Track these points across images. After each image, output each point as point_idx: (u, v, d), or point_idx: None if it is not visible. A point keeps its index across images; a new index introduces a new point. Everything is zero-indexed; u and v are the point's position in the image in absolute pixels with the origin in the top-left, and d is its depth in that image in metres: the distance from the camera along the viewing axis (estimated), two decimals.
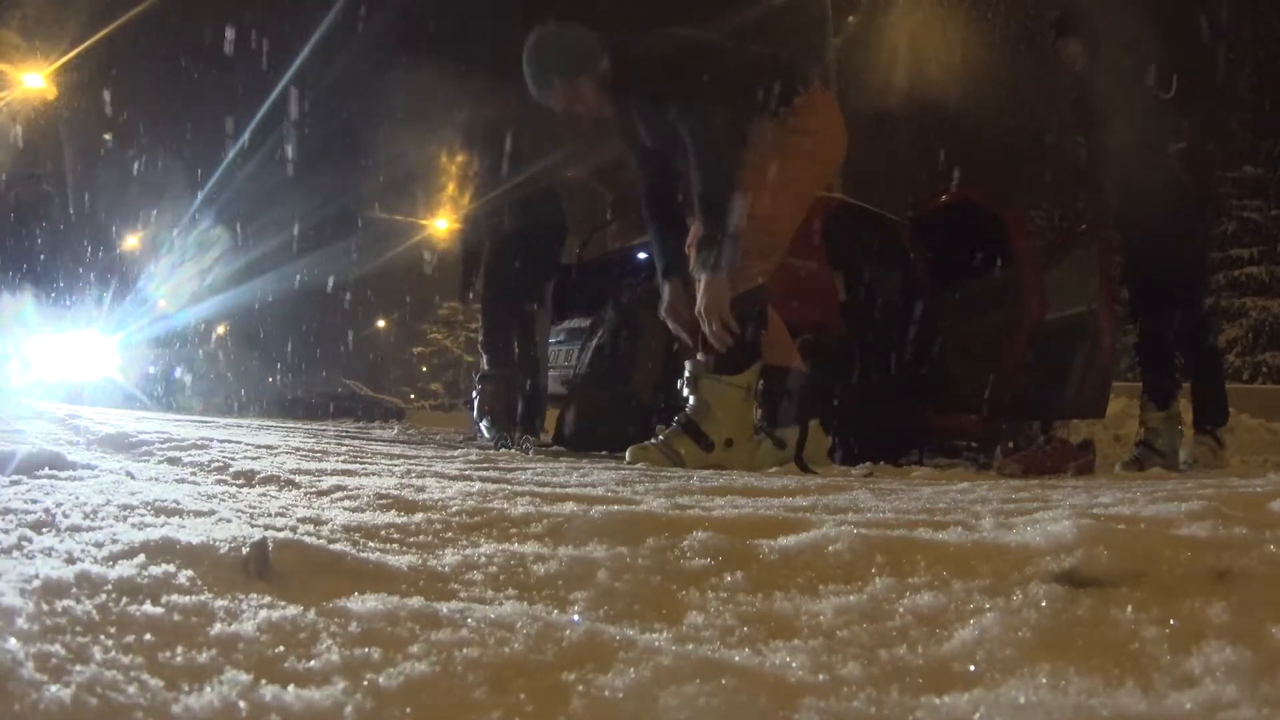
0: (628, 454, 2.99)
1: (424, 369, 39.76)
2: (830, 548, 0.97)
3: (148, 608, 0.68)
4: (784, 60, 3.17)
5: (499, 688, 0.59)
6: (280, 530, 1.04)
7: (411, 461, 2.47)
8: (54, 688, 0.52)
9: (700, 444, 2.96)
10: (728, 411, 2.99)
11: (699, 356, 3.06)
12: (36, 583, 0.69)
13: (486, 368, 5.12)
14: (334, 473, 1.82)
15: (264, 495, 1.47)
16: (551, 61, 3.09)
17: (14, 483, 1.34)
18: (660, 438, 3.01)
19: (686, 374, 3.08)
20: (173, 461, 2.12)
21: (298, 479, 1.64)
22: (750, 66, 3.09)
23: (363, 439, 4.20)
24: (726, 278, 2.92)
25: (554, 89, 3.10)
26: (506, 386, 5.02)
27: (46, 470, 1.51)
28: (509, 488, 1.59)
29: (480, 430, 4.96)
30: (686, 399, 3.06)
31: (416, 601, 0.73)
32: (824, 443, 3.19)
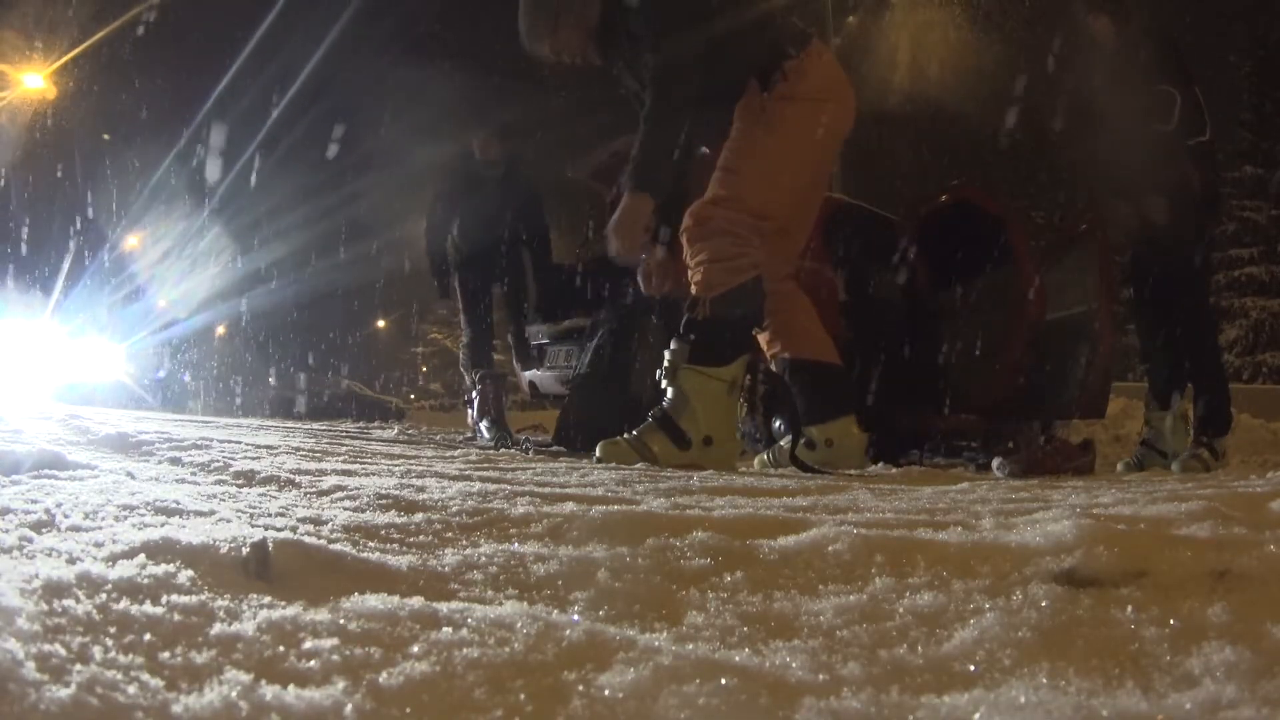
0: (598, 450, 2.80)
1: (424, 369, 39.76)
2: (830, 548, 0.97)
3: (148, 608, 0.67)
4: (774, 21, 3.03)
5: (499, 688, 0.59)
6: (280, 530, 1.04)
7: (411, 461, 2.46)
8: (54, 688, 0.52)
9: (676, 441, 2.77)
10: (708, 407, 2.80)
11: (673, 345, 2.89)
12: (37, 583, 0.69)
13: (475, 375, 5.18)
14: (334, 473, 1.82)
15: (264, 495, 1.47)
16: (541, 9, 3.04)
17: (14, 483, 1.34)
18: (634, 432, 2.81)
19: (665, 362, 2.87)
20: (173, 462, 2.12)
21: (298, 479, 1.64)
22: (736, 35, 2.95)
23: (363, 439, 4.20)
24: (648, 199, 2.83)
25: (540, 36, 3.04)
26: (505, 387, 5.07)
27: (46, 470, 1.51)
28: (509, 488, 1.59)
29: (480, 430, 4.97)
30: (664, 390, 2.87)
31: (416, 601, 0.73)
32: (861, 440, 3.04)
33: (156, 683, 0.55)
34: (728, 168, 2.91)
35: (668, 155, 2.84)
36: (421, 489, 1.50)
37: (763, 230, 2.87)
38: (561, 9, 3.00)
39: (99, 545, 0.86)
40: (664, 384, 2.89)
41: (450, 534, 1.14)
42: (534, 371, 5.55)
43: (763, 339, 3.11)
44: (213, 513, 1.16)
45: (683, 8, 2.89)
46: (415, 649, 0.64)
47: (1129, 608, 0.75)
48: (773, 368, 3.18)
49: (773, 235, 2.94)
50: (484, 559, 0.96)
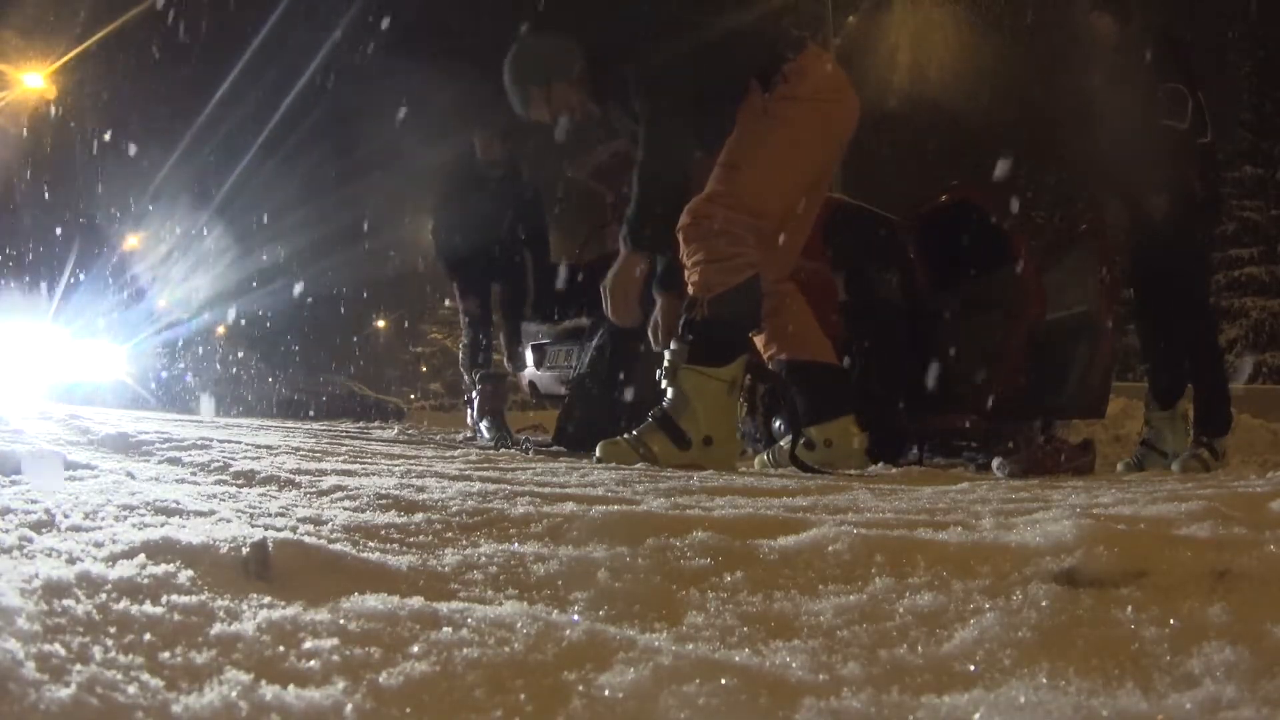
0: (598, 450, 2.82)
1: (424, 369, 39.79)
2: (830, 548, 0.97)
3: (148, 608, 0.67)
4: (766, 29, 3.03)
5: (499, 688, 0.59)
6: (280, 530, 1.04)
7: (411, 461, 2.46)
8: (54, 688, 0.52)
9: (676, 441, 2.79)
10: (708, 407, 2.81)
11: (673, 345, 2.90)
12: (37, 583, 0.69)
13: (475, 374, 5.20)
14: (334, 473, 1.82)
15: (264, 495, 1.47)
16: (527, 72, 3.05)
17: (14, 483, 1.34)
18: (634, 432, 2.83)
19: (665, 363, 2.90)
20: (173, 462, 2.12)
21: (298, 479, 1.64)
22: (727, 43, 2.95)
23: (363, 439, 4.20)
24: (642, 260, 2.88)
25: (533, 99, 3.06)
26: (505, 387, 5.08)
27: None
28: (509, 488, 1.59)
29: (480, 430, 4.97)
30: (664, 391, 2.89)
31: (416, 601, 0.73)
32: (860, 440, 3.05)
33: (156, 683, 0.55)
34: (728, 163, 2.89)
35: (663, 213, 2.85)
36: (421, 489, 1.50)
37: (760, 229, 2.86)
38: (550, 70, 3.02)
39: (99, 545, 0.86)
40: (664, 384, 2.90)
41: (450, 534, 1.14)
42: (534, 371, 5.55)
43: (759, 341, 3.11)
44: (213, 513, 1.16)
45: (664, 51, 2.88)
46: (415, 649, 0.64)
47: (1129, 608, 0.75)
48: (770, 368, 3.18)
49: (771, 236, 2.93)
50: (484, 559, 0.96)
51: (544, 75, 3.03)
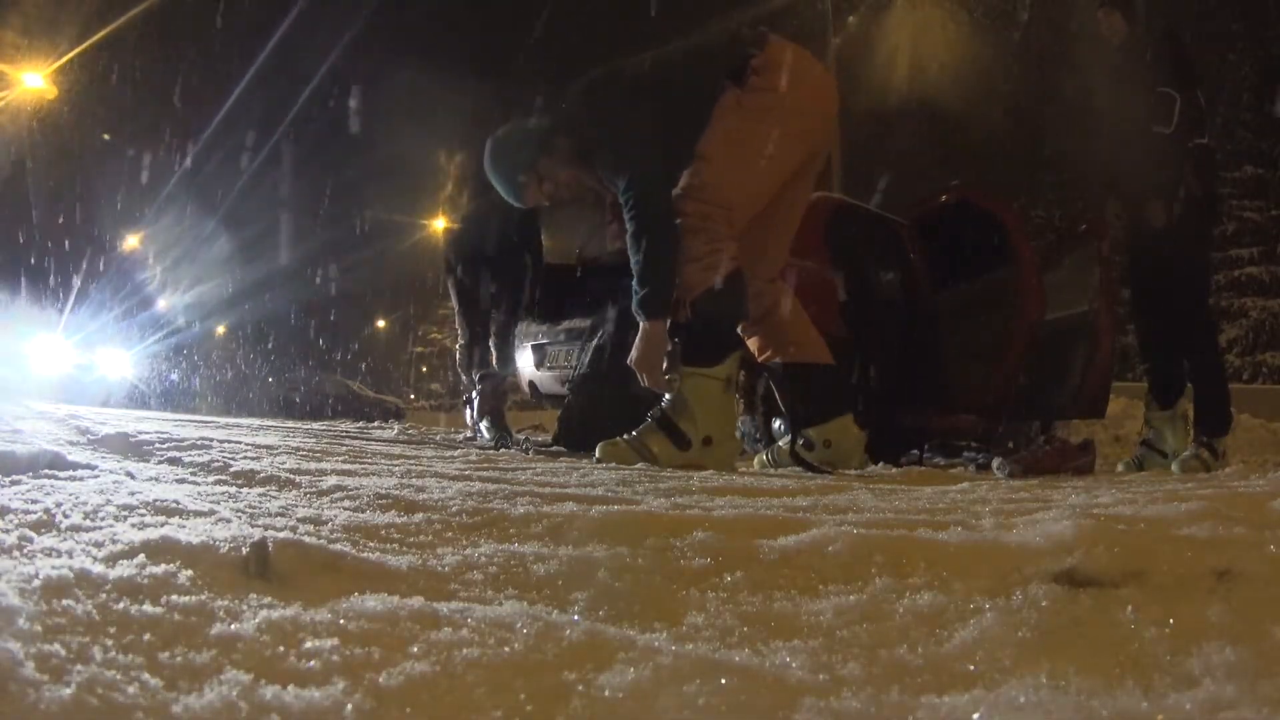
0: (598, 450, 2.83)
1: (424, 369, 39.80)
2: (830, 548, 0.97)
3: (148, 608, 0.67)
4: (721, 36, 3.03)
5: (499, 688, 0.59)
6: (280, 530, 1.04)
7: (411, 461, 2.46)
8: (54, 688, 0.52)
9: (676, 442, 2.80)
10: (706, 407, 2.82)
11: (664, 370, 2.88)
12: (36, 583, 0.69)
13: (475, 374, 5.18)
14: (334, 473, 1.82)
15: (264, 495, 1.47)
16: (509, 163, 3.02)
17: (14, 483, 1.34)
18: (634, 433, 2.84)
19: (662, 365, 2.90)
20: (173, 462, 2.11)
21: (298, 479, 1.64)
22: (684, 64, 2.97)
23: (363, 439, 4.19)
24: (663, 324, 2.82)
25: (525, 187, 3.02)
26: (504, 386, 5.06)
27: (46, 470, 1.51)
28: (509, 488, 1.59)
29: (480, 430, 4.97)
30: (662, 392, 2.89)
31: (416, 601, 0.73)
32: (859, 438, 3.06)
33: (156, 683, 0.55)
34: (700, 155, 2.89)
35: (670, 278, 2.82)
36: (421, 489, 1.50)
37: (732, 220, 2.86)
38: (531, 153, 2.99)
39: (99, 545, 0.86)
40: None
41: (450, 534, 1.14)
42: (534, 371, 5.56)
43: (753, 344, 3.10)
44: (213, 513, 1.16)
45: (628, 111, 2.90)
46: (415, 649, 0.64)
47: (1129, 608, 0.75)
48: (767, 370, 3.18)
49: (757, 232, 2.94)
50: (484, 559, 0.96)
51: (527, 160, 2.99)
